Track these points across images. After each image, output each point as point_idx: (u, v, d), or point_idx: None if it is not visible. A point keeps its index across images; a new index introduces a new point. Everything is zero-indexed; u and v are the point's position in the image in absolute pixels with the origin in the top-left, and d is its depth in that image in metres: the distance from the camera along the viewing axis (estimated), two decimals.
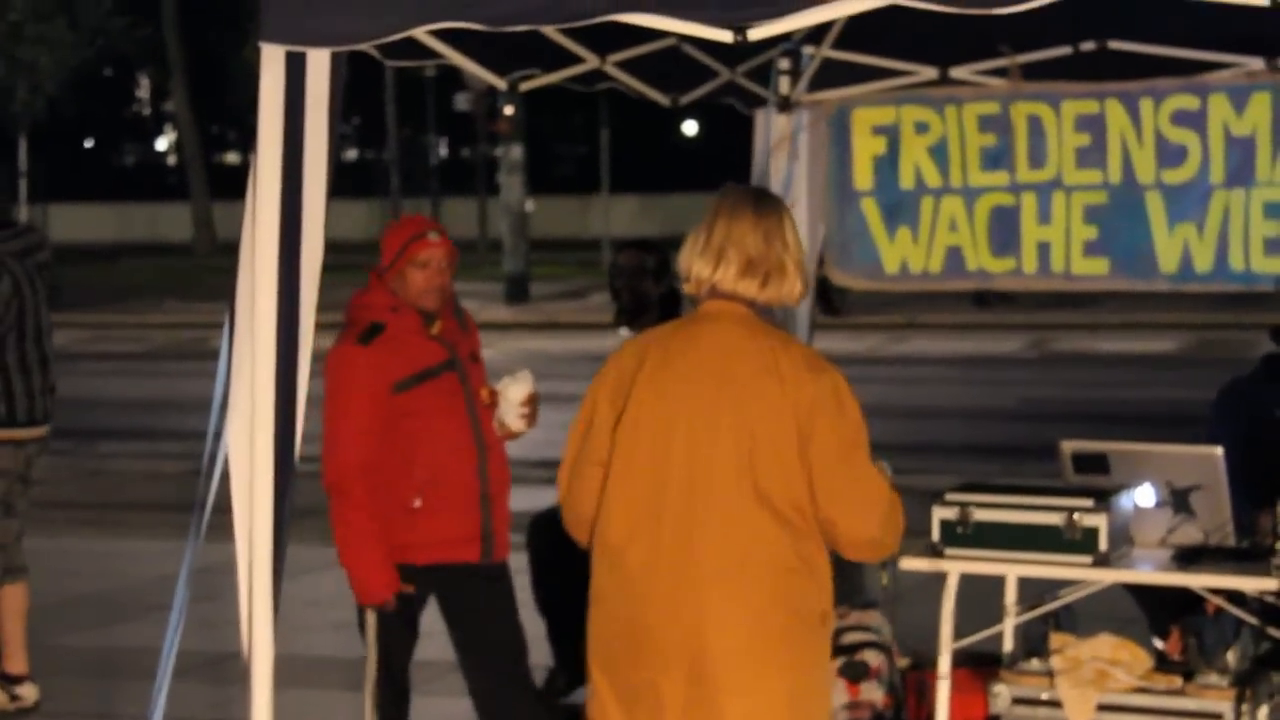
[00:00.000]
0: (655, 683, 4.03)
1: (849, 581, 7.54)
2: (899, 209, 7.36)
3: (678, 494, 4.02)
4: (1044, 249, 7.14)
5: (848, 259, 7.50)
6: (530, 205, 31.99)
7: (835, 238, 7.47)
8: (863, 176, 7.40)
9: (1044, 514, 5.55)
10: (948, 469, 12.69)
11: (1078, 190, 7.05)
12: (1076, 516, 5.52)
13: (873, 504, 4.01)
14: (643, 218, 45.04)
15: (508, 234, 31.91)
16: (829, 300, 26.57)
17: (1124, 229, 7.04)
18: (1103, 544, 5.49)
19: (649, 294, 6.88)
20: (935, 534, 5.64)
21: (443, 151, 52.31)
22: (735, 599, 4.00)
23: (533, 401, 5.51)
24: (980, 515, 5.61)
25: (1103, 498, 5.57)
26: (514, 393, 5.49)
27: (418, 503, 5.42)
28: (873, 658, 6.37)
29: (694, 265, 4.15)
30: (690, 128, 55.14)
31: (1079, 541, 5.51)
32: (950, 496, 5.67)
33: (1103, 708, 5.76)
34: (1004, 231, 7.20)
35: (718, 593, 4.00)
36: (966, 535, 5.62)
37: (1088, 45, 7.13)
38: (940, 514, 5.65)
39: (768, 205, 4.17)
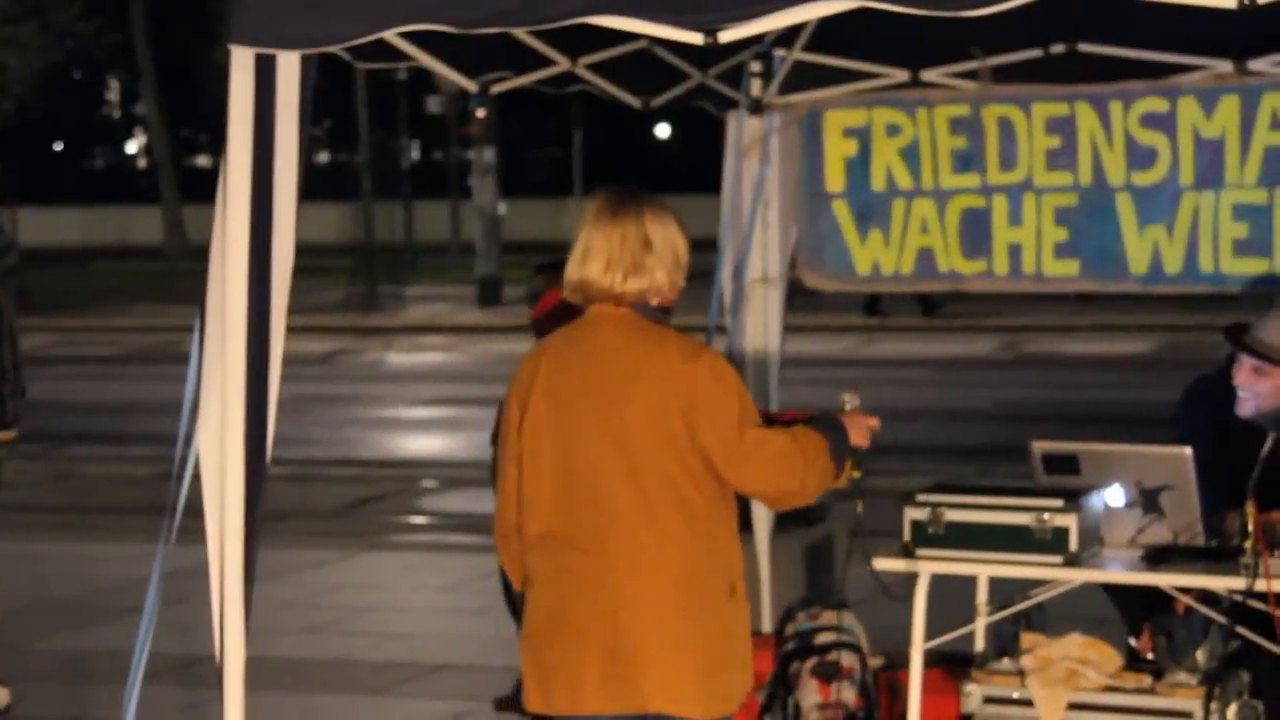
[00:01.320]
0: (572, 661, 4.26)
1: (821, 582, 7.80)
2: (870, 211, 7.41)
3: (583, 491, 4.24)
4: (1015, 251, 7.21)
5: (819, 261, 7.53)
6: (503, 208, 31.96)
7: (807, 240, 7.52)
8: (834, 178, 7.43)
9: (1015, 514, 5.56)
10: (920, 470, 12.71)
11: (1048, 192, 7.12)
12: (1047, 517, 5.53)
13: (776, 462, 4.21)
14: None
15: (480, 237, 31.85)
16: (928, 302, 26.17)
17: (1094, 230, 7.10)
18: (1073, 544, 5.50)
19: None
20: (906, 534, 5.65)
21: (415, 154, 52.24)
22: (645, 584, 4.22)
23: None
24: (951, 515, 5.63)
25: (1073, 498, 5.57)
26: None
27: None
28: (845, 658, 6.38)
29: (568, 271, 4.36)
30: (663, 130, 55.13)
31: (1049, 541, 5.51)
32: (921, 497, 5.67)
33: (1073, 706, 5.77)
34: (975, 233, 7.27)
35: (629, 581, 4.23)
36: (938, 536, 5.63)
37: (1058, 48, 7.15)
38: (911, 514, 5.66)
39: (626, 205, 4.32)
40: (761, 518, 7.57)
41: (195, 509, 4.52)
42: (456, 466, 14.80)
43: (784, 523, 7.76)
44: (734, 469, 4.20)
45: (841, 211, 7.45)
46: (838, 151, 7.37)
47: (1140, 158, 6.94)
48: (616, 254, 4.27)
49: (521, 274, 33.20)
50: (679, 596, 4.20)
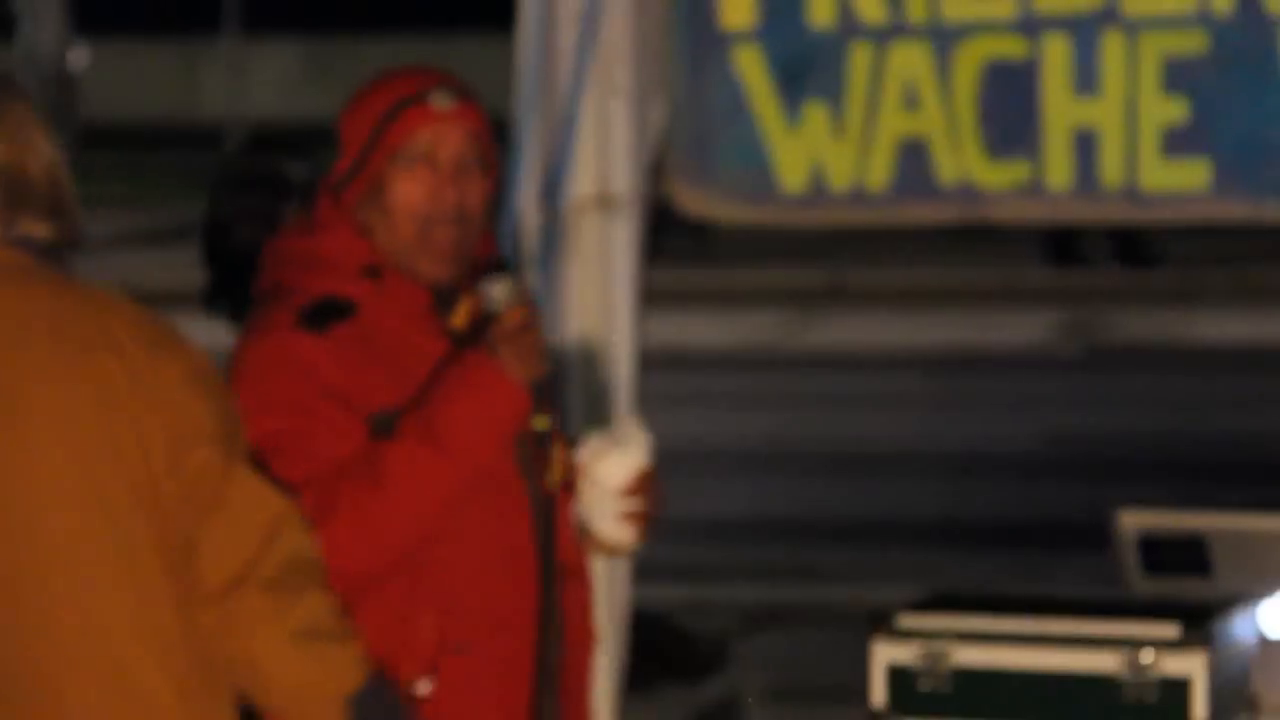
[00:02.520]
0: None
1: None
2: (806, 66, 5.97)
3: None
4: (1086, 142, 5.78)
5: (710, 166, 6.10)
6: (82, 57, 24.07)
7: (686, 125, 6.04)
8: (737, 6, 5.98)
9: (1084, 654, 4.85)
10: (902, 564, 10.31)
11: (1151, 28, 5.76)
12: (1148, 659, 4.81)
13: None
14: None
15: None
16: (1136, 247, 17.88)
17: (1240, 105, 5.74)
18: (1199, 709, 4.81)
19: None
20: (877, 695, 4.93)
21: None
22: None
23: (646, 484, 4.12)
24: (964, 656, 4.91)
25: (1198, 622, 4.92)
26: (608, 468, 4.12)
27: (424, 686, 4.07)
28: None
29: None
30: None
31: (1154, 707, 4.83)
32: (906, 622, 4.98)
33: None
34: (1009, 108, 5.83)
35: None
36: (937, 697, 4.91)
37: None
38: (887, 655, 4.92)
39: None
40: (605, 660, 5.83)
41: None
42: None
43: (653, 674, 6.69)
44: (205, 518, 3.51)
45: (751, 67, 5.98)
46: None
47: None
48: None
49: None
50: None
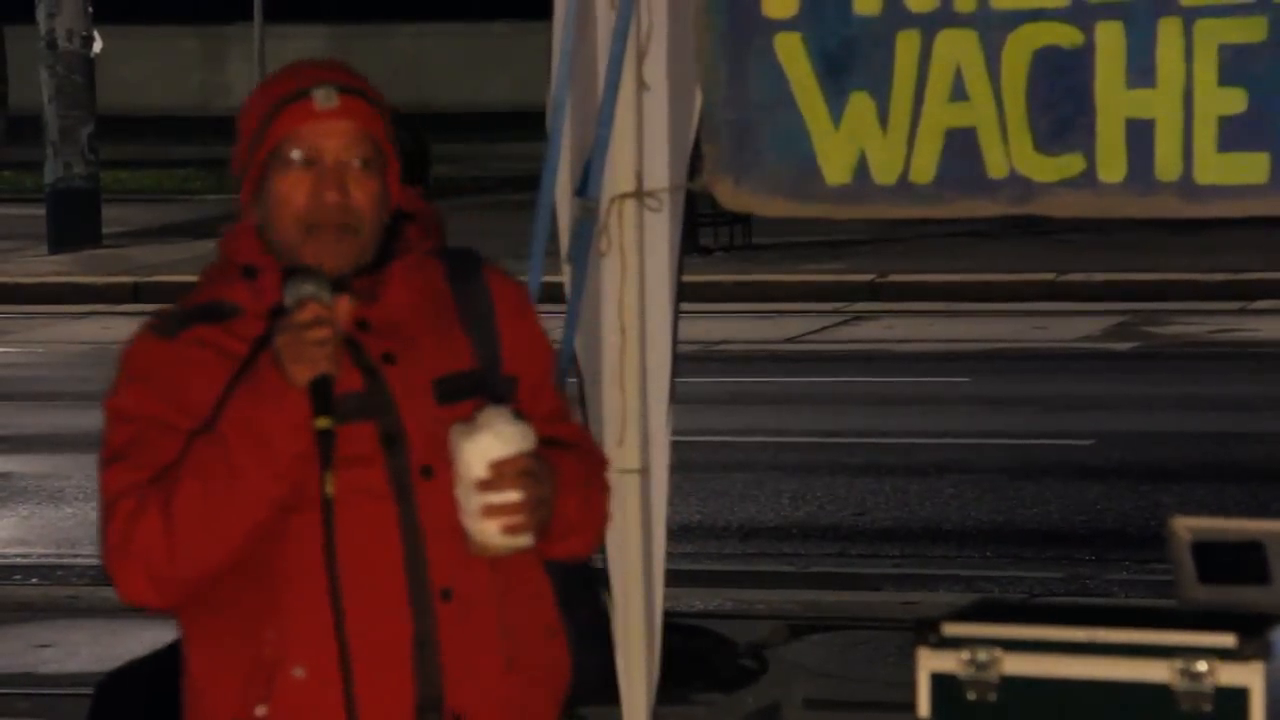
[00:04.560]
0: None
1: None
2: (850, 55, 5.84)
3: None
4: (1140, 132, 5.62)
5: (752, 158, 5.92)
6: (97, 45, 22.93)
7: (726, 116, 5.90)
8: None
9: (1137, 662, 4.77)
10: (947, 569, 10.14)
11: (1209, 15, 5.61)
12: (1204, 668, 4.73)
13: None
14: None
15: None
16: None
17: None
18: None
19: None
20: (922, 704, 4.86)
21: None
22: None
23: (508, 474, 3.73)
24: (1011, 665, 4.83)
25: (1256, 631, 4.84)
26: (464, 458, 3.77)
27: (260, 710, 3.84)
28: None
29: None
30: None
31: (1209, 717, 4.75)
32: (952, 630, 4.88)
33: None
34: (1060, 101, 5.72)
35: None
36: (984, 706, 4.84)
37: None
38: (932, 664, 4.84)
39: None
40: (636, 671, 5.77)
41: None
42: None
43: (690, 683, 6.40)
44: None
45: (792, 56, 5.83)
46: None
47: None
48: None
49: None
50: None
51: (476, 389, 3.87)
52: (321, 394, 3.62)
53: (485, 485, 3.75)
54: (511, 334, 3.96)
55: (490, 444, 3.76)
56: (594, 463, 3.80)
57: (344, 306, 3.74)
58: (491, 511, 3.77)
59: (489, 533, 3.78)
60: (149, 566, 3.66)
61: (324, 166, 3.80)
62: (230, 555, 3.71)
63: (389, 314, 3.84)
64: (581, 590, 3.89)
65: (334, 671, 3.78)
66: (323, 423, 3.65)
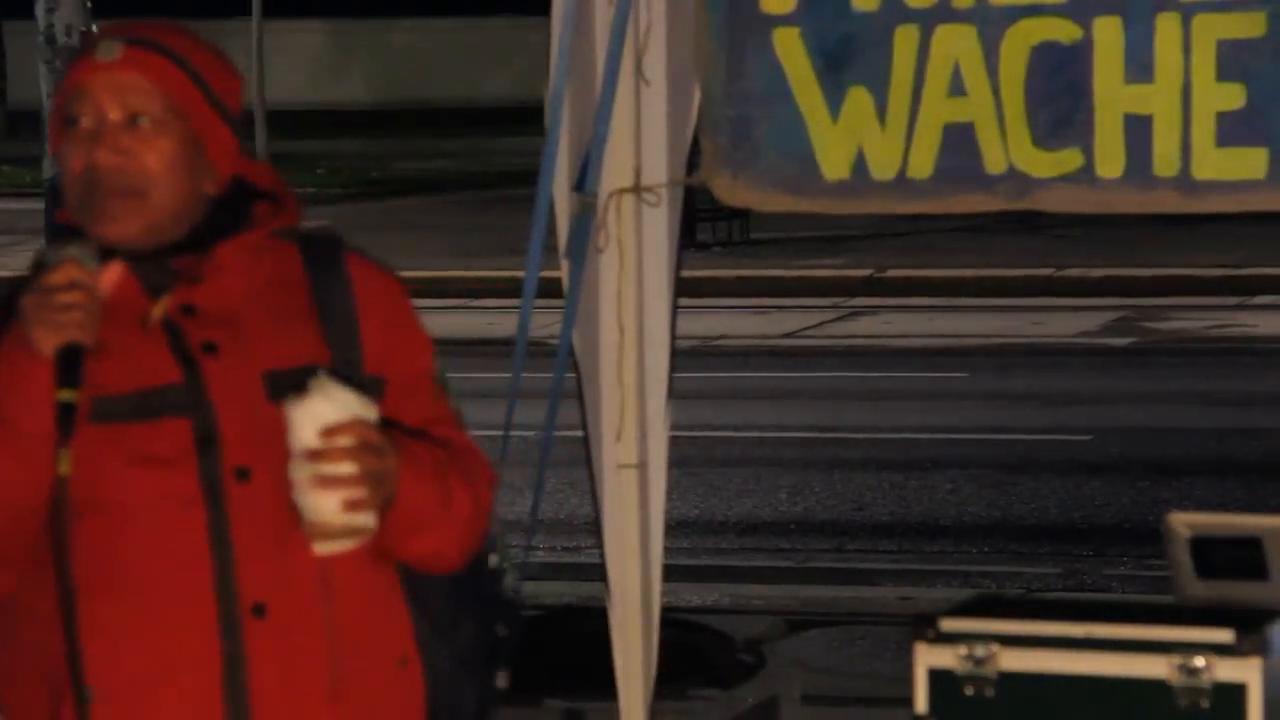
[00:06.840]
0: None
1: None
2: (848, 50, 5.89)
3: None
4: (1138, 128, 5.65)
5: (750, 153, 5.97)
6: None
7: (724, 111, 5.94)
8: None
9: (1134, 658, 4.80)
10: (945, 564, 10.20)
11: (1206, 10, 5.67)
12: (1201, 664, 4.77)
13: None
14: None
15: None
16: None
17: None
18: (1254, 716, 4.78)
19: None
20: (920, 700, 4.88)
21: None
22: None
23: (353, 441, 3.34)
24: (1009, 660, 4.87)
25: (1253, 627, 4.87)
26: (294, 428, 3.38)
27: None
28: None
29: None
30: None
31: (1207, 713, 4.79)
32: (949, 625, 4.93)
33: None
34: (1059, 96, 5.76)
35: None
36: (982, 702, 4.87)
37: None
38: (930, 659, 4.88)
39: None
40: (634, 667, 5.78)
41: None
42: None
43: (687, 678, 6.23)
44: None
45: (791, 51, 5.87)
46: None
47: None
48: None
49: None
50: None
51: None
52: (69, 365, 3.29)
53: (317, 455, 3.37)
54: (377, 330, 3.56)
55: (322, 407, 3.40)
56: (466, 466, 3.40)
57: (111, 275, 3.41)
58: (325, 483, 3.38)
59: (325, 509, 3.38)
60: None
61: (101, 124, 3.44)
62: None
63: (219, 300, 3.45)
64: (464, 613, 3.53)
65: (129, 692, 3.42)
66: (65, 395, 3.27)
